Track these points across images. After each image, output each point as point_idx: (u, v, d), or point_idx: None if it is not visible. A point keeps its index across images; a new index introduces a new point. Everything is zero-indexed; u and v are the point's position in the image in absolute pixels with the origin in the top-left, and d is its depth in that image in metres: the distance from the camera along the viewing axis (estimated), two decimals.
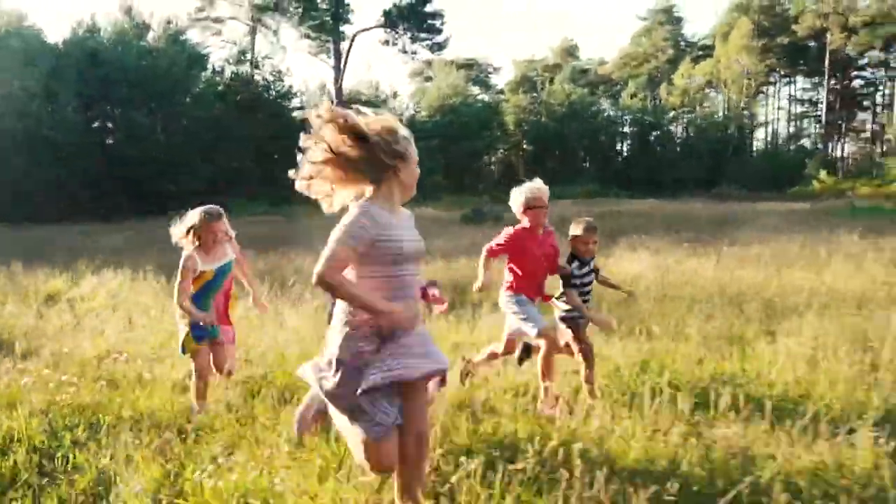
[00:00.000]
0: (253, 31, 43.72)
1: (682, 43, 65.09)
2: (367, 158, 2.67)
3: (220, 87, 37.55)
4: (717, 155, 49.49)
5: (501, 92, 68.40)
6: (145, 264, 10.20)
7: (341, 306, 2.73)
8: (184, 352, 4.51)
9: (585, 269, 4.61)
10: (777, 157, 47.12)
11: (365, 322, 2.66)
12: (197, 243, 4.39)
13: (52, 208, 25.32)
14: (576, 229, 4.62)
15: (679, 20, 66.59)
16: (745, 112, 55.16)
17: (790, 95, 61.78)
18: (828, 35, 49.45)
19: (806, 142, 57.49)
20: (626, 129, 55.44)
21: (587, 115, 52.75)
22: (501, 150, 56.18)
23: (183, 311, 4.38)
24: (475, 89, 67.04)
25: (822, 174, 38.55)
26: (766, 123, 61.07)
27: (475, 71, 72.69)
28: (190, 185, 28.02)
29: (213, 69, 38.11)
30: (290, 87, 40.92)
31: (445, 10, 77.24)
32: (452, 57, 71.30)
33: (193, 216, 4.39)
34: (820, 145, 53.77)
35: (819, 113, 56.00)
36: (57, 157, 26.54)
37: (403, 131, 2.75)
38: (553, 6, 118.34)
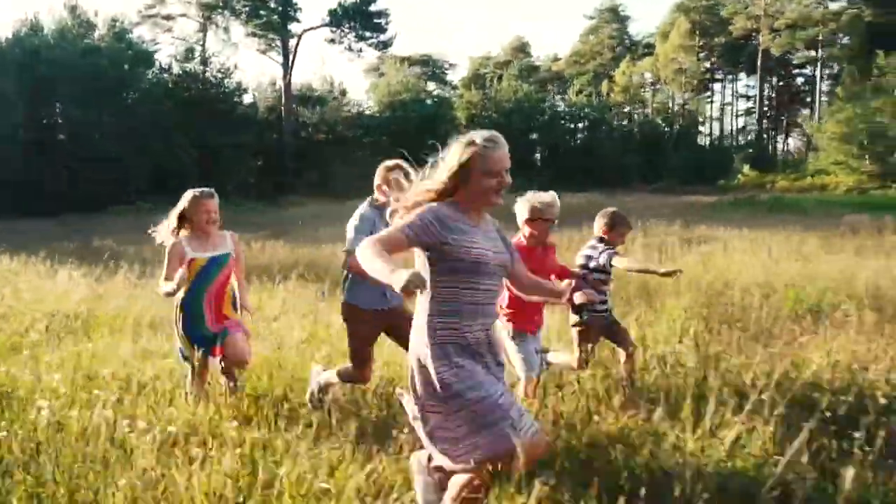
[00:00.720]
0: (204, 29, 44.45)
1: (628, 41, 67.46)
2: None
3: (168, 84, 38.31)
4: (658, 150, 51.73)
5: (455, 88, 70.09)
6: (48, 252, 11.06)
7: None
8: (184, 358, 4.23)
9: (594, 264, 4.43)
10: (711, 153, 49.32)
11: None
12: (187, 232, 4.16)
13: None
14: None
15: (625, 19, 68.97)
16: (687, 108, 57.57)
17: (735, 92, 64.58)
18: (760, 36, 51.99)
19: (752, 137, 60.23)
20: (572, 125, 57.36)
21: (533, 111, 54.40)
22: None
23: (166, 294, 4.04)
24: (430, 85, 68.67)
25: (746, 168, 40.80)
26: (709, 119, 63.74)
27: (431, 67, 74.32)
28: (132, 181, 28.93)
29: (160, 66, 38.82)
30: (239, 83, 41.83)
31: (399, 8, 78.81)
32: (409, 53, 72.98)
33: (182, 201, 4.15)
34: (745, 140, 56.52)
35: (754, 109, 58.75)
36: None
37: (463, 147, 2.64)
38: (512, 3, 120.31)
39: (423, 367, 2.58)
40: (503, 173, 2.61)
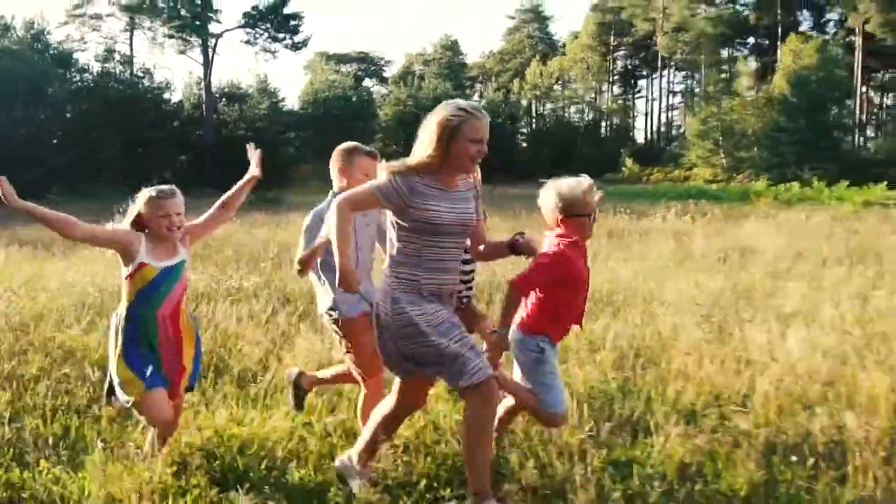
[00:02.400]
0: (130, 29, 46.60)
1: (548, 40, 71.56)
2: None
3: (90, 84, 40.42)
4: (567, 145, 55.82)
5: (387, 84, 73.21)
6: None
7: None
8: (128, 395, 3.19)
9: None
10: (608, 147, 53.52)
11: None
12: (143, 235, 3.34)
13: None
14: None
15: (545, 19, 73.01)
16: (597, 105, 61.98)
17: (661, 89, 69.01)
18: (657, 38, 56.36)
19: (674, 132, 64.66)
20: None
21: None
22: (379, 141, 60.50)
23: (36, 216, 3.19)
24: (369, 82, 71.71)
25: (629, 162, 45.10)
26: (641, 115, 67.97)
27: (368, 64, 77.15)
28: (51, 178, 31.29)
29: (82, 67, 40.92)
30: (162, 82, 44.06)
31: (346, 5, 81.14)
32: (348, 50, 75.77)
33: (138, 202, 3.36)
34: (670, 134, 61.03)
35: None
36: None
37: (448, 112, 2.68)
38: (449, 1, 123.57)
39: (384, 311, 2.74)
40: (483, 142, 2.70)
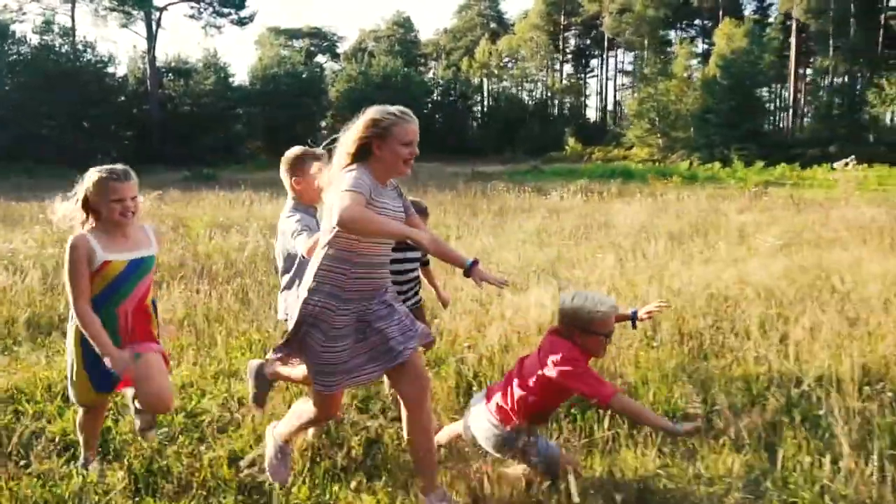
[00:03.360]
0: (72, 0, 45.77)
1: (498, 18, 72.18)
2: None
3: (28, 57, 39.79)
4: (514, 124, 56.77)
5: (339, 60, 73.04)
6: None
7: None
8: (77, 400, 3.09)
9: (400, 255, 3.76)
10: (554, 126, 54.58)
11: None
12: (93, 222, 2.99)
13: None
14: None
15: None
16: (546, 84, 62.99)
17: (615, 68, 70.26)
18: (604, 18, 57.52)
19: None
20: (438, 98, 61.79)
21: (399, 86, 58.05)
22: (330, 116, 60.38)
23: (90, 335, 2.88)
24: (322, 58, 71.44)
25: (571, 141, 46.27)
26: (594, 93, 69.19)
27: (320, 40, 76.76)
28: None
29: (19, 38, 40.22)
30: (108, 55, 43.49)
31: None
32: (301, 25, 75.20)
33: (85, 182, 2.98)
34: (621, 112, 62.45)
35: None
36: None
37: (378, 114, 2.75)
38: None
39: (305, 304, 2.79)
40: (414, 145, 2.79)
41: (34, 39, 40.78)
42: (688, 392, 3.80)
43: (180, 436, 3.51)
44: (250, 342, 4.96)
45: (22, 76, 38.01)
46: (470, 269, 2.97)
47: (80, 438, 3.20)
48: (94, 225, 2.98)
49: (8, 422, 3.65)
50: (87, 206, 2.96)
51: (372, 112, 2.78)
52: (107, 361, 2.86)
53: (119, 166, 3.00)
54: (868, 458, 2.95)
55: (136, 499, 2.92)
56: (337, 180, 2.70)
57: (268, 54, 59.75)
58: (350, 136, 2.78)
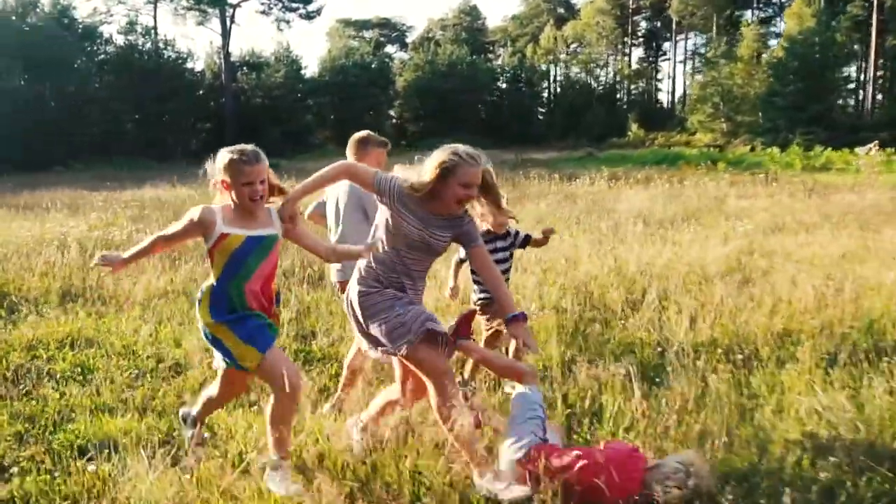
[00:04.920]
0: (154, 0, 48.80)
1: (564, 3, 71.57)
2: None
3: (113, 56, 42.80)
4: (579, 111, 56.45)
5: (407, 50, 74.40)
6: None
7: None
8: (238, 366, 2.98)
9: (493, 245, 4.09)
10: (619, 112, 53.98)
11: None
12: (222, 202, 3.02)
13: None
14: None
15: None
16: (615, 69, 62.25)
17: (685, 52, 68.69)
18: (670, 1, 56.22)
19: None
20: (503, 86, 62.05)
21: (465, 74, 58.61)
22: (398, 106, 61.64)
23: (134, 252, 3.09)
24: (391, 48, 73.04)
25: (634, 127, 45.79)
26: (667, 78, 67.94)
27: (389, 31, 78.39)
28: (74, 147, 33.88)
29: (106, 39, 43.33)
30: (189, 52, 46.29)
31: None
32: (370, 16, 77.03)
33: (217, 163, 2.98)
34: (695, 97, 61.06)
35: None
36: None
37: (439, 156, 2.99)
38: None
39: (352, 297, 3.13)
40: (474, 189, 3.01)
41: (119, 39, 43.81)
42: (574, 352, 4.50)
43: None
44: None
45: (109, 75, 41.03)
46: (510, 321, 3.09)
47: (199, 408, 3.31)
48: (224, 203, 3.02)
49: (24, 360, 4.78)
50: (221, 184, 2.99)
51: (441, 153, 3.00)
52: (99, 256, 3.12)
53: (249, 147, 2.97)
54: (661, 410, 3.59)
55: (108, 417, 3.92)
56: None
57: (337, 46, 61.59)
58: (427, 168, 3.01)
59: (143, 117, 41.12)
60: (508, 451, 2.96)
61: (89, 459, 3.26)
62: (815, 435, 3.32)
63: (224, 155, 2.94)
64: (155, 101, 40.36)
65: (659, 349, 4.57)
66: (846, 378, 3.97)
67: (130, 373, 4.52)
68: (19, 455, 3.37)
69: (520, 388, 3.22)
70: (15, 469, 3.20)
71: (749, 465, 3.09)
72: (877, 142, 14.91)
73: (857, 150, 16.98)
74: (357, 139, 4.10)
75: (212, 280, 3.01)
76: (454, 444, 2.96)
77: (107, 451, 3.30)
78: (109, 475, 3.07)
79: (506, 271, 4.20)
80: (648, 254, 6.90)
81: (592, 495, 2.73)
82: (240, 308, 2.96)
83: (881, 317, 4.91)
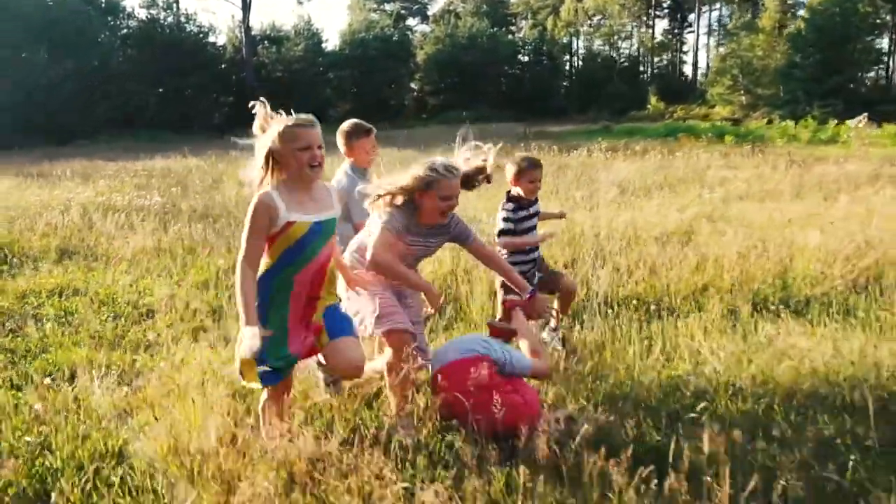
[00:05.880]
0: None
1: None
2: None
3: (135, 30, 43.47)
4: (600, 83, 55.98)
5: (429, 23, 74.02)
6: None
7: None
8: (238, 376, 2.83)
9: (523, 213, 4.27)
10: (639, 85, 53.43)
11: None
12: (276, 181, 2.77)
13: None
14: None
15: None
16: (637, 41, 61.49)
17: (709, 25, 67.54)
18: None
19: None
20: (524, 58, 61.59)
21: (486, 47, 58.27)
22: (418, 79, 61.56)
23: (238, 295, 2.64)
24: (412, 21, 72.76)
25: (653, 100, 45.39)
26: (690, 51, 66.85)
27: (411, 3, 77.98)
28: (97, 121, 34.70)
29: (127, 13, 43.95)
30: (210, 25, 46.66)
31: None
32: None
33: (268, 134, 2.75)
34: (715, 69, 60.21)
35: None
36: None
37: (434, 170, 3.19)
38: None
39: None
40: (454, 199, 3.25)
41: (141, 13, 44.43)
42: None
43: None
44: None
45: (131, 49, 41.74)
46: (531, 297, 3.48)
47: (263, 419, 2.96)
48: (278, 182, 2.77)
49: (15, 306, 5.36)
50: (271, 160, 2.76)
51: (419, 168, 3.21)
52: (244, 332, 2.57)
53: (304, 115, 2.82)
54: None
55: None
56: (383, 211, 3.24)
57: (357, 19, 61.52)
58: (404, 180, 3.22)
59: (166, 91, 41.79)
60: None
61: (52, 379, 3.81)
62: (688, 372, 3.73)
63: (278, 124, 2.76)
64: (177, 75, 40.99)
65: (586, 301, 4.99)
66: (743, 327, 4.36)
67: (108, 316, 5.07)
68: None
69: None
70: None
71: (620, 394, 3.52)
72: (866, 114, 14.88)
73: (849, 122, 16.91)
74: (344, 130, 4.29)
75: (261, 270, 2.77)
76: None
77: (70, 374, 3.85)
78: (64, 389, 3.62)
79: (533, 268, 4.37)
80: (608, 219, 7.27)
81: (486, 412, 2.90)
82: (281, 297, 2.82)
83: (798, 276, 5.26)
